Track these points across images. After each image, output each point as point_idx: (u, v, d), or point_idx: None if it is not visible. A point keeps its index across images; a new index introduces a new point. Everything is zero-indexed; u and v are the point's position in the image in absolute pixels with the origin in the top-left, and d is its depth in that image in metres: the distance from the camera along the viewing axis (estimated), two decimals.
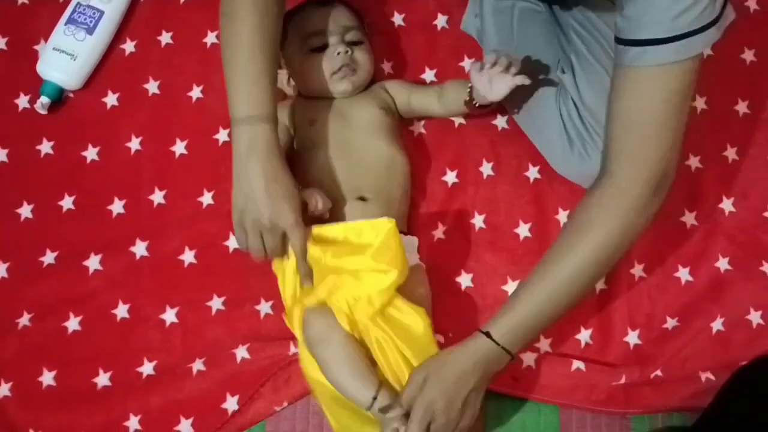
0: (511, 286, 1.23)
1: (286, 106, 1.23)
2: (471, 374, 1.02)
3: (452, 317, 1.19)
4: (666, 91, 0.96)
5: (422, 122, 1.30)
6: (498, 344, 1.02)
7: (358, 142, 1.18)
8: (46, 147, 1.30)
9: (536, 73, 1.22)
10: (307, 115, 1.21)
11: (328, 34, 1.21)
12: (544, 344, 1.20)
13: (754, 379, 1.08)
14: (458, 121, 1.30)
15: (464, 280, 1.23)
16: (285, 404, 1.16)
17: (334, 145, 1.18)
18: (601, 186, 1.02)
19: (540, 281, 1.04)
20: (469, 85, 1.17)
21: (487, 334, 1.02)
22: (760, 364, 1.11)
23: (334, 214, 1.14)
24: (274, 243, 1.05)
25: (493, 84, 1.13)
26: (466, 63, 1.34)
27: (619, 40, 0.96)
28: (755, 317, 1.23)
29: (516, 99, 1.22)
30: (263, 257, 1.08)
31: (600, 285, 1.23)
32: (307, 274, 1.07)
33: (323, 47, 1.21)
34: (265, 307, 1.21)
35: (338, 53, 1.20)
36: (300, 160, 1.20)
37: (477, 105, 1.18)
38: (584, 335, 1.21)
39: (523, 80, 1.12)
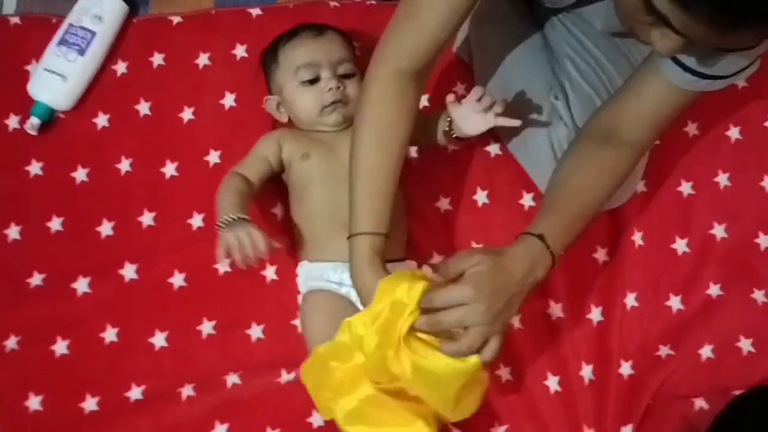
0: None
1: (276, 138, 1.25)
2: (520, 271, 1.00)
3: None
4: (683, 108, 1.08)
5: (415, 148, 1.33)
6: (549, 249, 1.03)
7: (347, 175, 1.19)
8: (35, 168, 1.31)
9: (527, 99, 1.25)
10: (300, 149, 1.23)
11: (321, 67, 1.24)
12: (553, 381, 1.23)
13: (753, 408, 1.12)
14: (450, 147, 1.33)
15: None
16: None
17: (328, 180, 1.20)
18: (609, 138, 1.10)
19: (579, 194, 1.09)
20: (449, 117, 1.19)
21: (541, 237, 1.03)
22: (758, 394, 1.14)
23: (331, 247, 1.16)
24: None
25: (469, 120, 1.16)
26: (459, 88, 1.37)
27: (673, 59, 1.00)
28: (746, 344, 1.27)
29: (507, 127, 1.25)
30: None
31: (597, 316, 1.27)
32: None
33: (315, 80, 1.24)
34: (256, 331, 1.23)
35: (330, 89, 1.22)
36: (294, 193, 1.23)
37: (455, 137, 1.20)
38: (587, 371, 1.24)
39: (505, 122, 1.15)
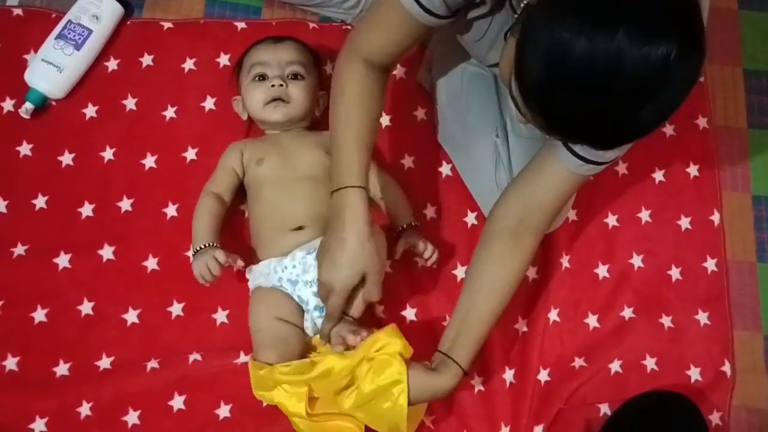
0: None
1: (239, 148, 1.40)
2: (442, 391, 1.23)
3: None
4: (574, 192, 1.28)
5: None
6: (465, 371, 1.23)
7: (299, 181, 1.35)
8: (25, 149, 1.44)
9: (477, 135, 1.41)
10: (257, 155, 1.38)
11: (270, 66, 1.40)
12: (478, 382, 1.38)
13: (642, 409, 1.32)
14: (407, 165, 1.49)
15: (409, 313, 1.42)
16: None
17: (278, 183, 1.35)
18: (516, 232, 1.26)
19: (488, 306, 1.25)
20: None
21: (458, 364, 1.22)
22: (645, 398, 1.34)
23: (273, 246, 1.32)
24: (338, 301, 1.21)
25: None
26: (420, 112, 1.53)
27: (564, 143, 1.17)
28: (650, 362, 1.43)
29: (458, 152, 1.42)
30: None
31: (522, 327, 1.43)
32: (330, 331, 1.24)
33: (263, 77, 1.40)
34: (221, 316, 1.37)
35: (273, 85, 1.38)
36: (249, 196, 1.38)
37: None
38: (509, 375, 1.40)
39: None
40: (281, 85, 1.38)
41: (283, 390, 1.22)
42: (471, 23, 1.22)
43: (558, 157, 1.18)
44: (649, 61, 0.79)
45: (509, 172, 1.38)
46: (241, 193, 1.41)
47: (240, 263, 1.30)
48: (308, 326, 1.30)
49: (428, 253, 1.36)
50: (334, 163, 1.22)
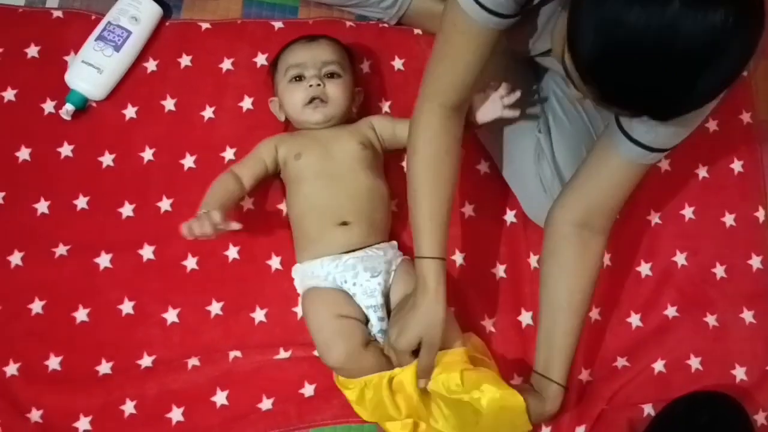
0: (487, 323, 1.42)
1: (273, 142, 1.42)
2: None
3: None
4: (636, 183, 1.25)
5: None
6: (565, 388, 1.29)
7: (339, 174, 1.37)
8: (66, 150, 1.47)
9: (519, 131, 1.41)
10: (295, 149, 1.39)
11: (306, 67, 1.41)
12: (518, 382, 1.38)
13: (688, 409, 1.32)
14: None
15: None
16: None
17: (318, 177, 1.37)
18: (581, 236, 1.27)
19: (571, 320, 1.28)
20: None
21: (557, 383, 1.28)
22: (690, 399, 1.34)
23: (321, 242, 1.34)
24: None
25: (484, 107, 1.32)
26: None
27: (623, 131, 1.16)
28: (695, 362, 1.43)
29: (498, 148, 1.42)
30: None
31: None
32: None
33: (300, 78, 1.41)
34: (259, 315, 1.39)
35: (311, 85, 1.39)
36: (289, 192, 1.40)
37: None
38: None
39: (511, 113, 1.31)
40: (319, 85, 1.39)
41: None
42: None
43: (617, 149, 1.18)
44: (705, 27, 0.79)
45: (553, 166, 1.38)
46: (276, 191, 1.44)
47: (235, 225, 1.28)
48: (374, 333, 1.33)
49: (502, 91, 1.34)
50: (414, 227, 1.25)
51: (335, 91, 1.41)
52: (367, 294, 1.30)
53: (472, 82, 1.21)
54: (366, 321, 1.32)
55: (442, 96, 1.22)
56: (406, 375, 1.25)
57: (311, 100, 1.39)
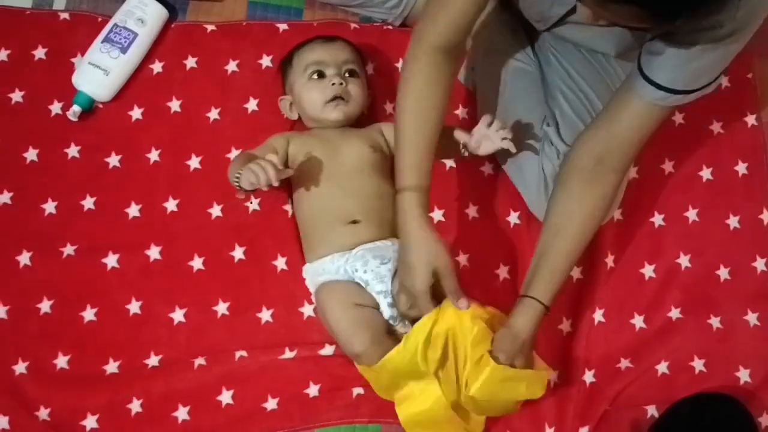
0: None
1: (285, 137, 1.43)
2: (533, 338, 1.26)
3: None
4: (658, 125, 1.23)
5: None
6: (547, 308, 1.26)
7: (348, 174, 1.38)
8: (73, 151, 1.49)
9: (524, 126, 1.42)
10: (305, 148, 1.40)
11: (327, 65, 1.43)
12: None
13: (692, 411, 1.33)
14: (449, 164, 1.51)
15: None
16: None
17: (327, 177, 1.38)
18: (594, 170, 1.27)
19: (565, 243, 1.27)
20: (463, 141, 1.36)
21: (539, 301, 1.25)
22: (694, 400, 1.35)
23: (329, 241, 1.35)
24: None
25: (482, 143, 1.33)
26: (461, 111, 1.55)
27: (644, 76, 1.17)
28: (698, 364, 1.44)
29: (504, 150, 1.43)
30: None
31: (566, 327, 1.45)
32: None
33: (321, 76, 1.43)
34: (265, 315, 1.40)
35: (333, 83, 1.41)
36: (297, 191, 1.41)
37: (466, 155, 1.38)
38: (553, 375, 1.39)
39: (509, 146, 1.32)
40: (341, 84, 1.41)
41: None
42: None
43: (638, 93, 1.19)
44: None
45: (563, 148, 1.39)
46: (281, 191, 1.45)
47: (289, 171, 1.30)
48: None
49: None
50: (396, 160, 1.25)
51: (356, 90, 1.43)
52: (379, 279, 1.31)
53: (466, 25, 1.25)
54: (379, 309, 1.33)
55: (436, 36, 1.24)
56: (462, 315, 1.23)
57: (333, 98, 1.41)
